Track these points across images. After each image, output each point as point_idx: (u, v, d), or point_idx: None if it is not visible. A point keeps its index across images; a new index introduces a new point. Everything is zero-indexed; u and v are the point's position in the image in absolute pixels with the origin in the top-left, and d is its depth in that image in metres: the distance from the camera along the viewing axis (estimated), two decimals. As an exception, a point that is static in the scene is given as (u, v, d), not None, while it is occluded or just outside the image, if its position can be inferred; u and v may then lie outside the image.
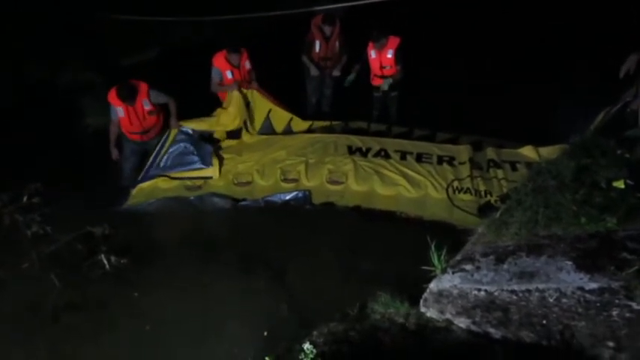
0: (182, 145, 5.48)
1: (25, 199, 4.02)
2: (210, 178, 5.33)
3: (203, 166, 5.38)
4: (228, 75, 5.95)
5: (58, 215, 4.42)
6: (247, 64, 6.04)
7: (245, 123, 5.91)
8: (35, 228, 4.04)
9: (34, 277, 4.00)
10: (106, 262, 4.04)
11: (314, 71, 6.38)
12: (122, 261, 4.09)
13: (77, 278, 4.00)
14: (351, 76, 6.36)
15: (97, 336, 3.51)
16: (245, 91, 5.94)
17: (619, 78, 3.61)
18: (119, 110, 5.47)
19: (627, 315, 1.90)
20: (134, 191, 5.20)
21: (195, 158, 5.43)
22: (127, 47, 7.22)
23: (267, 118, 6.04)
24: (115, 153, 5.66)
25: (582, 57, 6.63)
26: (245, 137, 5.90)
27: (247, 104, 5.94)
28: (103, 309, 3.77)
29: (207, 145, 5.57)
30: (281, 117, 6.15)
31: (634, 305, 1.89)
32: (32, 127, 5.81)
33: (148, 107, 5.53)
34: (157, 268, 4.10)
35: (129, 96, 5.39)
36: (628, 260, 2.03)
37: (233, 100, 5.83)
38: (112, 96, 5.46)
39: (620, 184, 2.41)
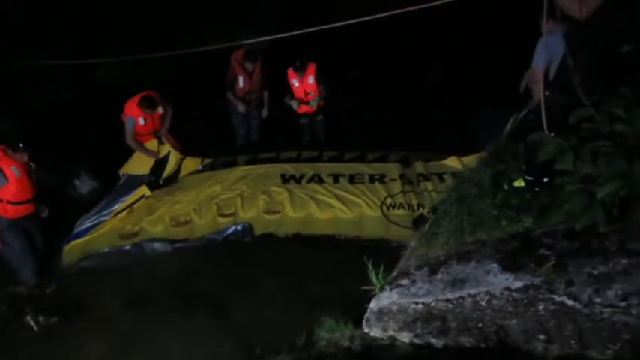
0: (113, 190, 5.42)
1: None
2: (143, 197, 5.26)
3: (131, 193, 5.32)
4: (141, 122, 5.67)
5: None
6: (160, 109, 5.78)
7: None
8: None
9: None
10: (33, 323, 3.81)
11: (241, 107, 6.39)
12: (52, 320, 3.88)
13: (3, 342, 3.74)
14: (295, 103, 6.30)
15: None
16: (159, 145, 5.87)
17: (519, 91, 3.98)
18: (14, 171, 4.26)
19: (551, 307, 2.02)
20: (66, 248, 4.89)
21: (124, 191, 5.38)
22: (41, 91, 6.86)
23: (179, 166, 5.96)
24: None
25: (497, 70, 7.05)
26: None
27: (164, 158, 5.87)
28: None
29: (136, 179, 5.54)
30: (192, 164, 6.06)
31: (556, 297, 2.02)
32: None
33: (34, 166, 4.51)
34: (93, 323, 3.91)
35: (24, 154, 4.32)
36: (545, 256, 2.17)
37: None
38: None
39: (519, 183, 2.59)
